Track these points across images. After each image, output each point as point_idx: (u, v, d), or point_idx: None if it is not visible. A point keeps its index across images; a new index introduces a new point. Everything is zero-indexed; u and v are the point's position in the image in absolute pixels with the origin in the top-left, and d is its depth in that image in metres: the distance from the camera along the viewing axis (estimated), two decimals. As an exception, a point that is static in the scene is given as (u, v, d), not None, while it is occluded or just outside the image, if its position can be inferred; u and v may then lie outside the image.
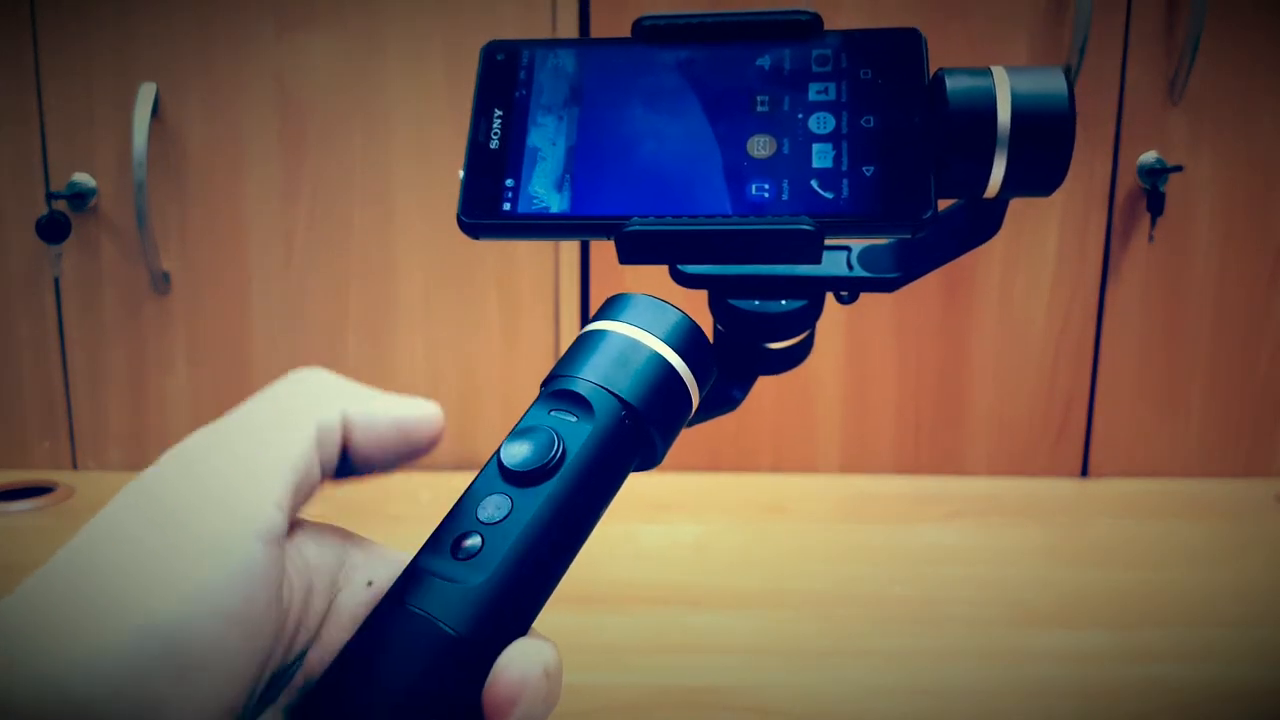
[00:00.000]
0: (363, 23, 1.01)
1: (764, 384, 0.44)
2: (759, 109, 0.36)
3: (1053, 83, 0.35)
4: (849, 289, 0.41)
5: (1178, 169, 0.98)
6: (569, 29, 1.00)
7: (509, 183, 0.36)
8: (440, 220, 1.03)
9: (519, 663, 0.30)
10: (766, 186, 0.35)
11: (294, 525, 0.30)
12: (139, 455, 1.09)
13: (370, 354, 1.07)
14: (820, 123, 0.35)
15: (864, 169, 0.34)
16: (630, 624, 0.77)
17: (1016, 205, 0.39)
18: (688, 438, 0.42)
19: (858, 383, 1.06)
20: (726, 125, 0.36)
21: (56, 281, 1.05)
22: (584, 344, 0.36)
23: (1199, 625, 0.77)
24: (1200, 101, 0.99)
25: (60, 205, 1.02)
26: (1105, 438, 1.06)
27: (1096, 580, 0.85)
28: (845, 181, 0.34)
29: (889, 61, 0.36)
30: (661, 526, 0.94)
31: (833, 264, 0.41)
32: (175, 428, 1.08)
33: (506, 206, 0.35)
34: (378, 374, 1.07)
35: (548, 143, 0.36)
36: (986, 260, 1.02)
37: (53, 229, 1.01)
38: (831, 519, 0.97)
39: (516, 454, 0.33)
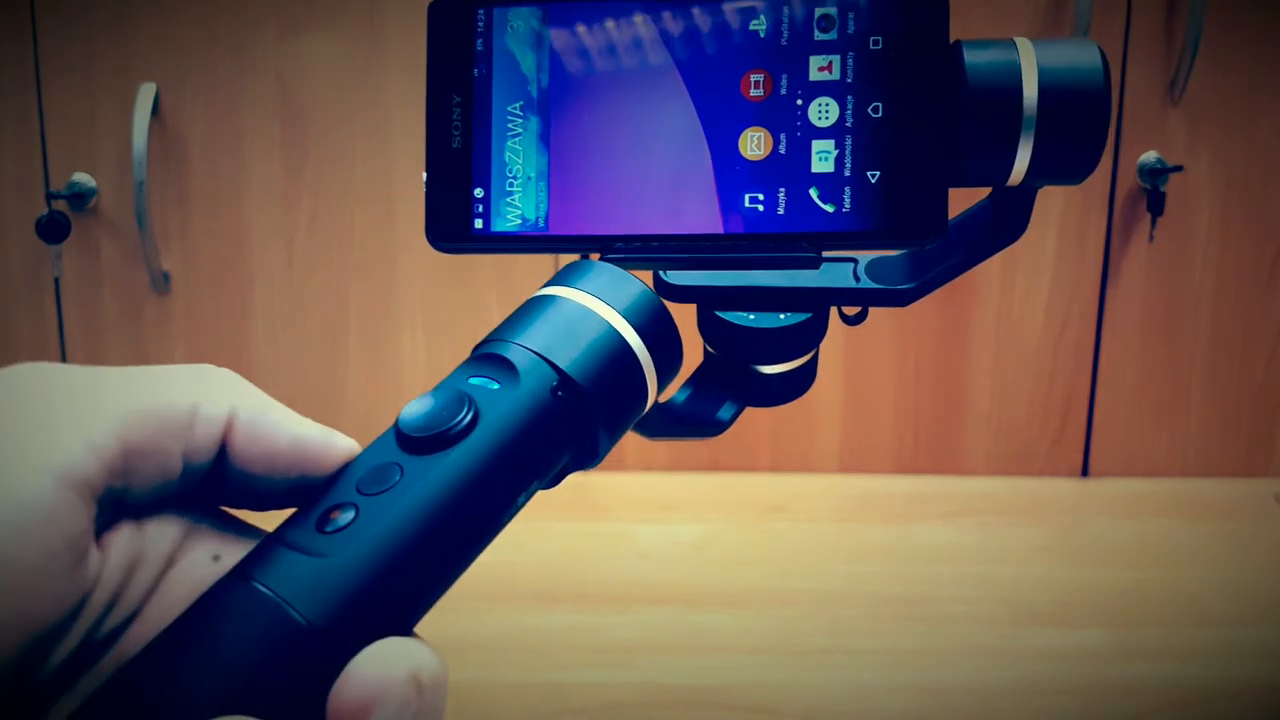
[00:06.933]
0: (363, 24, 1.01)
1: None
2: (753, 93, 0.31)
3: (1085, 55, 0.31)
4: (856, 303, 0.35)
5: (1178, 169, 0.98)
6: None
7: (478, 193, 0.33)
8: (440, 220, 1.04)
9: (378, 663, 0.23)
10: (761, 197, 0.31)
11: (154, 504, 0.27)
12: (139, 455, 1.09)
13: (370, 354, 1.07)
14: (821, 112, 0.31)
15: (869, 174, 0.31)
16: (630, 624, 0.77)
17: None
18: (688, 437, 0.41)
19: (857, 382, 1.06)
20: (716, 116, 0.31)
21: (57, 282, 1.05)
22: (528, 309, 0.30)
23: (1198, 624, 0.77)
24: (1200, 101, 0.99)
25: (60, 205, 1.02)
26: (1105, 437, 1.06)
27: (1096, 579, 0.85)
28: (847, 190, 0.31)
29: (904, 26, 0.31)
30: (661, 526, 0.95)
31: (837, 276, 0.35)
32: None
33: (479, 224, 0.33)
34: (378, 374, 1.07)
35: (516, 148, 0.32)
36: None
37: (53, 229, 1.01)
38: (831, 519, 0.97)
39: (414, 414, 0.28)
